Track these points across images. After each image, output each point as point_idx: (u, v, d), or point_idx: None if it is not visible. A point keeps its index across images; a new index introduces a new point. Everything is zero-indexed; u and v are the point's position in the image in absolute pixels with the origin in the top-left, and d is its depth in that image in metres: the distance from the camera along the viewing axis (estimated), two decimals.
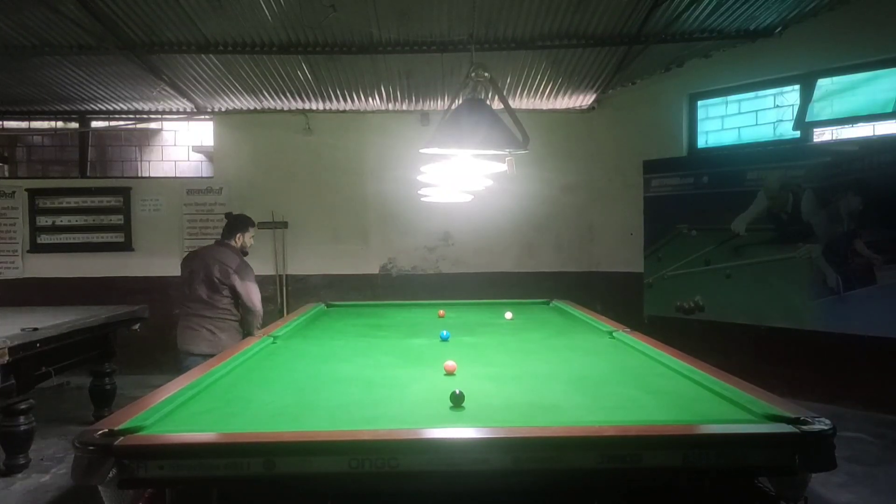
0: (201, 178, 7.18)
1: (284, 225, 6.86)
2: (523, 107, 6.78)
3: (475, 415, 1.98)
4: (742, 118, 6.00)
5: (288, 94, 6.48)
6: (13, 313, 4.67)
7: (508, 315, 4.30)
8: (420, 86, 6.29)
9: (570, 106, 6.95)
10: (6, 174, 7.23)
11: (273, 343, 3.31)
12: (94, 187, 6.87)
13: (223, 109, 6.90)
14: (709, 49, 5.83)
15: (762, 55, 5.57)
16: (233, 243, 4.27)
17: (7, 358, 3.47)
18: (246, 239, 4.33)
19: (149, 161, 7.70)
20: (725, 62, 5.83)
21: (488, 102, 2.99)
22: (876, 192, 4.86)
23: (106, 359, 5.03)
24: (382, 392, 2.29)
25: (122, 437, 1.67)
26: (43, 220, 6.79)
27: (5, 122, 7.17)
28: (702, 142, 6.26)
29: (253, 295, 4.13)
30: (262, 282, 6.81)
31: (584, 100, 6.84)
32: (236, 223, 4.34)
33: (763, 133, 5.85)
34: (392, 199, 6.77)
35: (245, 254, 4.30)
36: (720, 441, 1.73)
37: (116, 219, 6.83)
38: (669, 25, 5.20)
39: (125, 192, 6.84)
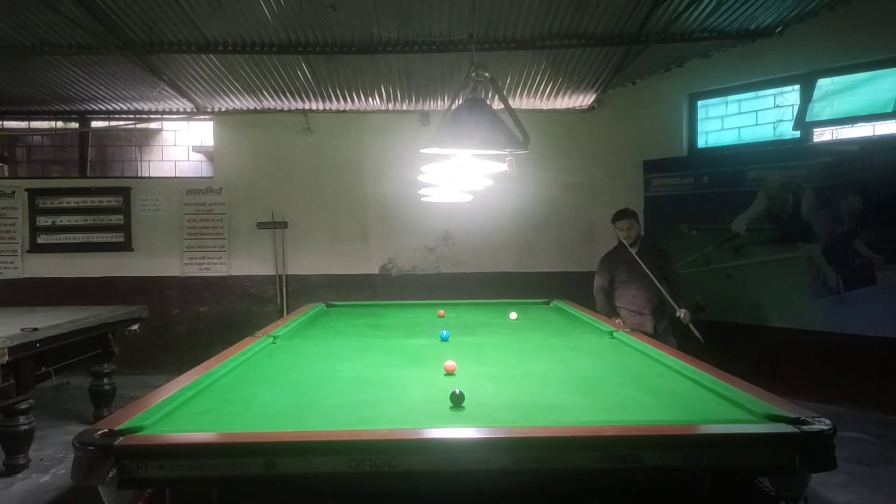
0: (201, 178, 7.18)
1: (284, 225, 6.86)
2: (523, 107, 6.77)
3: (475, 415, 1.98)
4: (742, 118, 5.99)
5: (288, 94, 6.48)
6: (13, 313, 4.66)
7: (513, 315, 4.29)
8: (420, 86, 6.29)
9: (570, 106, 6.95)
10: (6, 174, 7.23)
11: (273, 343, 3.31)
12: (94, 187, 6.86)
13: (223, 109, 6.90)
14: (709, 49, 5.83)
15: (762, 55, 5.56)
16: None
17: (7, 358, 3.47)
18: (616, 231, 4.97)
19: (149, 161, 7.70)
20: (725, 62, 5.83)
21: (488, 102, 2.98)
22: (876, 192, 4.86)
23: (105, 359, 5.03)
24: (382, 392, 2.29)
25: (122, 437, 1.67)
26: (43, 220, 6.79)
27: (5, 122, 7.17)
28: (702, 142, 6.25)
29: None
30: (262, 282, 6.90)
31: (584, 100, 6.84)
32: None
33: (763, 133, 5.85)
34: (392, 199, 6.77)
35: (620, 243, 4.89)
36: (720, 441, 1.73)
37: (116, 219, 6.83)
38: (669, 25, 5.20)
39: (125, 192, 6.84)
